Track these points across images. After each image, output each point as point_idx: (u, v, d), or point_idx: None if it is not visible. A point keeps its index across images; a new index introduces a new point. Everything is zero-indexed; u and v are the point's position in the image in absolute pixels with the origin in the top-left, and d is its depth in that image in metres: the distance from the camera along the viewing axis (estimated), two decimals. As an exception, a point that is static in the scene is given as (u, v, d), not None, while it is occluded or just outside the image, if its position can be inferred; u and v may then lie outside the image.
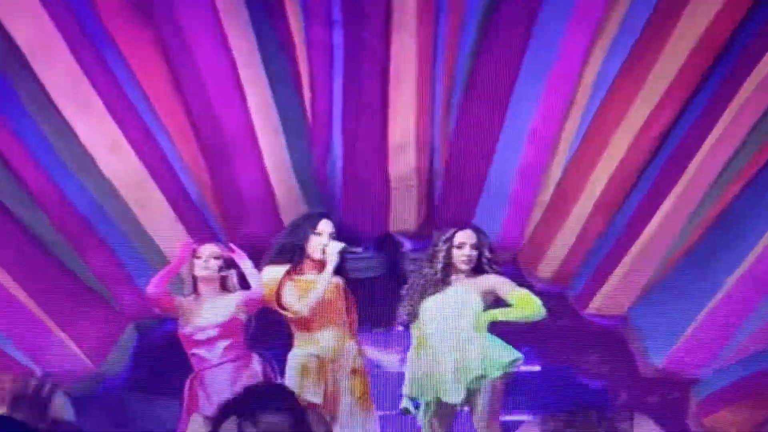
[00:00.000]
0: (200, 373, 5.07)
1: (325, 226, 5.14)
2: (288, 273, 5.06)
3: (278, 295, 5.08)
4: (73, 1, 5.36)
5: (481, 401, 4.87)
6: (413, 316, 5.02)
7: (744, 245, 5.43)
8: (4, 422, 2.23)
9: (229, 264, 5.15)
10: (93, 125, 5.40)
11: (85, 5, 5.36)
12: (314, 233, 5.03)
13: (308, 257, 5.03)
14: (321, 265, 5.08)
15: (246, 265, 5.07)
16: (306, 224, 5.13)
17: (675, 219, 5.49)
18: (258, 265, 5.15)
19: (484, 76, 5.47)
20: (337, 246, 4.99)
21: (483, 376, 4.85)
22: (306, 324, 5.10)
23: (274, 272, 5.09)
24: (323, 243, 5.02)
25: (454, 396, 4.80)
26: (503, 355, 4.87)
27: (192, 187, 5.66)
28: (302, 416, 4.38)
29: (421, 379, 5.02)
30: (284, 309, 5.10)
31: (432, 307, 4.94)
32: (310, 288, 5.08)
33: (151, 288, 5.05)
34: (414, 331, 5.08)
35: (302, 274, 5.09)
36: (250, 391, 4.49)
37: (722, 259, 5.43)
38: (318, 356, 5.11)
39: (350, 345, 5.16)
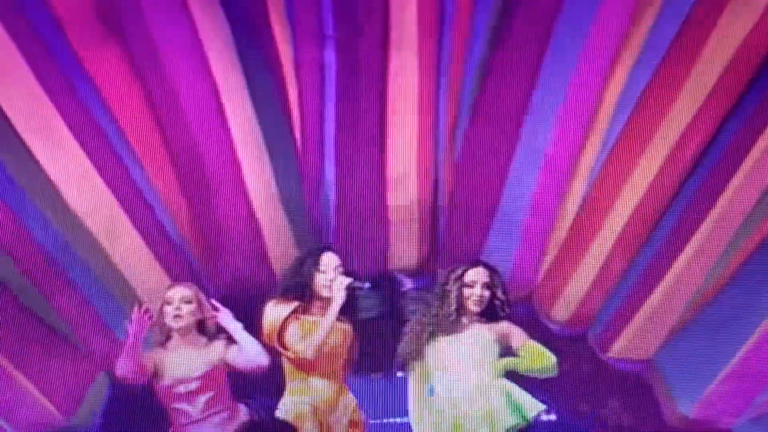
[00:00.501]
0: (181, 428, 4.69)
1: (330, 260, 4.81)
2: (294, 312, 4.75)
3: (280, 334, 4.77)
4: (34, 17, 5.06)
5: None
6: (417, 356, 4.70)
7: None
8: None
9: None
10: (58, 154, 5.11)
11: (47, 21, 5.07)
12: (318, 271, 4.74)
13: (316, 296, 4.73)
14: (329, 303, 4.87)
15: (235, 327, 4.77)
16: (309, 261, 4.82)
17: (705, 256, 5.25)
18: (243, 313, 4.74)
19: (493, 98, 5.25)
20: (344, 281, 4.68)
21: (516, 425, 4.61)
22: (306, 367, 4.79)
23: (278, 311, 4.77)
24: (329, 279, 4.71)
25: None
26: (528, 405, 4.63)
27: (169, 222, 5.38)
28: None
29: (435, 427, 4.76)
30: (285, 349, 4.76)
31: (446, 349, 4.64)
32: (315, 329, 4.83)
33: (120, 371, 4.71)
34: (414, 372, 4.75)
35: (309, 314, 4.80)
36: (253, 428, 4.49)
37: (758, 300, 5.16)
38: (312, 405, 4.78)
39: (349, 397, 4.87)
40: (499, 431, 4.65)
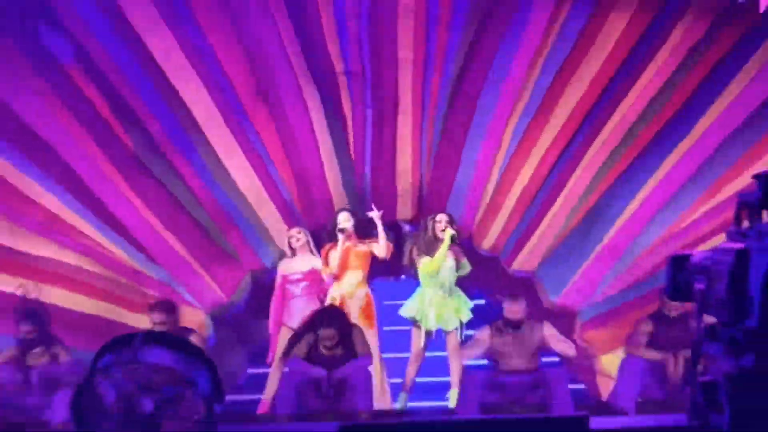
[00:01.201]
0: (288, 301, 6.55)
1: (342, 216, 6.47)
2: (330, 246, 6.44)
3: (326, 259, 6.47)
4: (221, 84, 6.49)
5: (456, 336, 6.27)
6: (412, 266, 6.39)
7: (607, 224, 6.62)
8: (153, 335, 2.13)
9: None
10: (236, 160, 6.72)
11: (230, 96, 6.55)
12: (337, 223, 6.34)
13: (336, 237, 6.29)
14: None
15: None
16: (331, 221, 6.47)
17: (564, 211, 6.69)
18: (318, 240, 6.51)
19: (452, 125, 6.67)
20: (339, 227, 6.31)
21: (460, 322, 6.23)
22: (338, 275, 6.35)
23: (325, 249, 6.50)
24: (338, 228, 6.32)
25: (452, 324, 6.26)
26: (465, 313, 6.28)
27: (287, 195, 6.95)
28: (348, 330, 6.03)
29: (429, 311, 6.28)
30: (327, 266, 6.44)
31: (421, 264, 6.34)
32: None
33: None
34: (425, 271, 6.31)
35: (335, 247, 6.38)
36: (315, 313, 6.31)
37: (592, 237, 6.66)
38: (340, 293, 6.38)
39: (364, 289, 6.39)
40: (450, 312, 6.20)
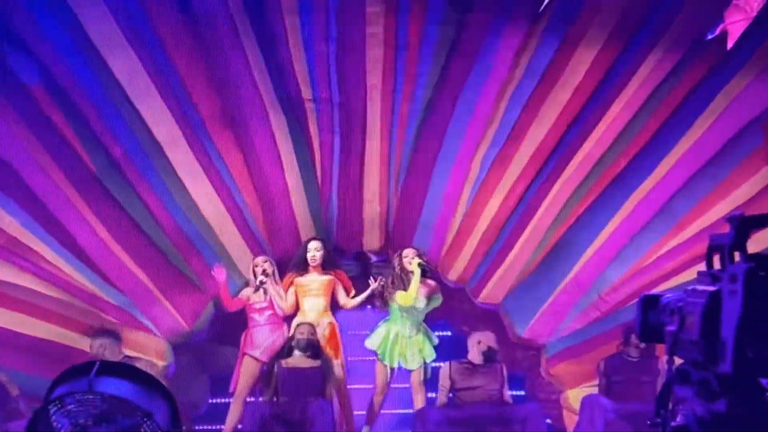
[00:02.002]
0: (252, 329, 6.55)
1: (313, 245, 6.50)
2: (295, 276, 6.44)
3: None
4: (185, 107, 6.34)
5: (420, 375, 6.32)
6: (388, 301, 6.42)
7: (572, 260, 6.62)
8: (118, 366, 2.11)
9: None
10: (199, 185, 6.62)
11: (194, 119, 6.44)
12: (306, 251, 6.39)
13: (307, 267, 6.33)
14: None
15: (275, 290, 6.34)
16: (302, 247, 6.50)
17: (530, 244, 6.71)
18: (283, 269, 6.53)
19: (420, 154, 6.66)
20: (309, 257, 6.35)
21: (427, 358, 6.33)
22: (296, 307, 6.35)
23: (287, 279, 6.54)
24: (309, 257, 6.36)
25: (414, 364, 6.33)
26: (428, 353, 6.34)
27: (252, 222, 6.84)
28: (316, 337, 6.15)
29: (388, 342, 6.33)
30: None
31: (398, 297, 6.38)
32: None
33: (229, 308, 6.43)
34: (394, 309, 6.40)
35: (304, 276, 6.42)
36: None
37: (558, 270, 6.67)
38: (303, 321, 6.35)
39: (327, 319, 6.38)
40: (414, 351, 6.24)
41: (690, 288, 1.89)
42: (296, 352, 6.15)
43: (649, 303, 1.99)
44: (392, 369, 6.36)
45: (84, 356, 6.25)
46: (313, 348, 6.10)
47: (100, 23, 6.19)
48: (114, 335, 6.24)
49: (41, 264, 6.49)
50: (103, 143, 6.50)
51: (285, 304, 6.45)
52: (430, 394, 6.42)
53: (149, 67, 6.31)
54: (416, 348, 6.34)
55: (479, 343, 6.22)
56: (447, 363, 6.31)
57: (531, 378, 6.95)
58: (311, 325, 6.16)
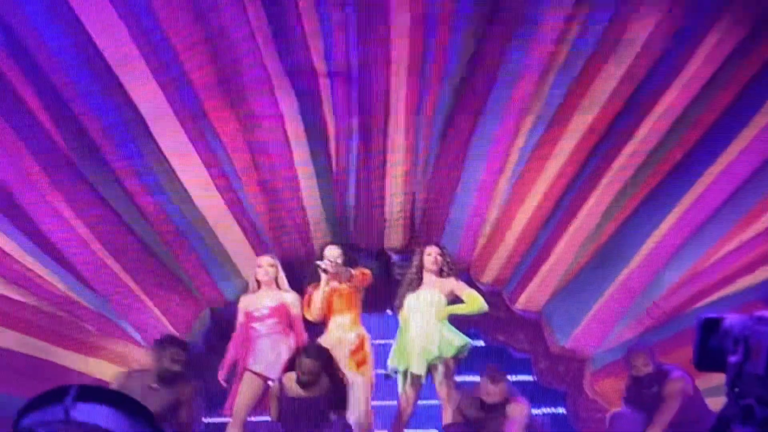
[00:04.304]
0: (252, 341, 5.79)
1: (330, 251, 5.85)
2: (312, 287, 5.87)
3: (308, 303, 5.88)
4: (178, 82, 5.67)
5: (439, 373, 5.68)
6: (400, 306, 5.95)
7: (622, 262, 6.09)
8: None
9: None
10: (194, 174, 6.02)
11: (187, 97, 5.77)
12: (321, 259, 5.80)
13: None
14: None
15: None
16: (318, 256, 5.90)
17: (575, 244, 6.20)
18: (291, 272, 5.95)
19: (448, 148, 6.15)
20: (321, 264, 5.74)
21: (440, 356, 5.71)
22: (322, 316, 5.84)
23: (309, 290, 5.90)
24: (322, 264, 5.77)
25: (418, 369, 5.64)
26: (456, 341, 5.75)
27: (255, 217, 6.23)
28: (330, 362, 5.28)
29: (400, 353, 5.83)
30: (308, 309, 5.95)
31: (411, 301, 5.88)
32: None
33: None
34: (400, 317, 5.93)
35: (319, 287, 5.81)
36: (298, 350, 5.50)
37: (606, 274, 6.14)
38: (331, 336, 5.80)
39: (353, 333, 5.78)
40: (434, 359, 5.62)
41: (757, 315, 1.79)
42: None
43: (710, 327, 1.87)
44: (416, 383, 5.76)
45: (56, 369, 5.83)
46: (317, 381, 5.46)
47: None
48: (184, 345, 5.58)
49: (5, 262, 5.92)
50: (80, 121, 5.75)
51: (313, 312, 5.89)
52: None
53: (132, 28, 5.55)
54: (422, 347, 5.74)
55: (488, 394, 5.57)
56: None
57: (573, 395, 6.43)
58: (315, 361, 5.41)
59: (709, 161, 5.89)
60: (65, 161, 5.83)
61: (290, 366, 5.55)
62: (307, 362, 5.37)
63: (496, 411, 5.48)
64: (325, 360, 5.47)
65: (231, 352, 5.84)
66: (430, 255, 5.87)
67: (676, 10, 5.71)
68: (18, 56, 5.64)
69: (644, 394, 5.54)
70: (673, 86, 5.82)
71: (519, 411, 5.54)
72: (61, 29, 5.56)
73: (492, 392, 5.49)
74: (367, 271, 5.86)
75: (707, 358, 1.85)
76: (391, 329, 6.13)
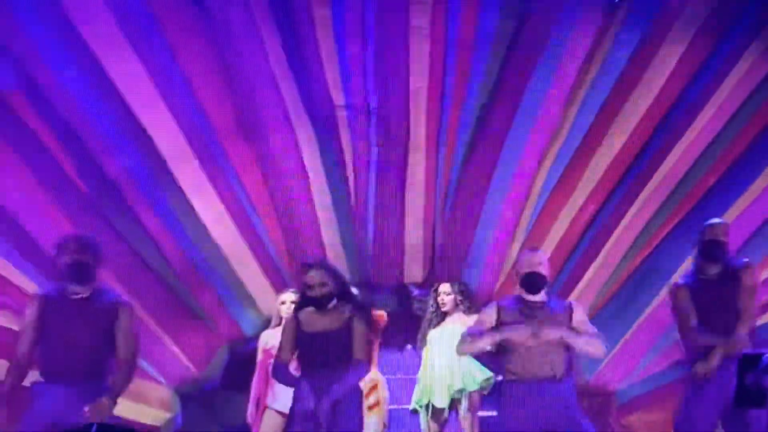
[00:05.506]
0: (272, 379, 5.28)
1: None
2: None
3: None
4: (195, 117, 5.57)
5: (462, 406, 5.60)
6: (423, 343, 5.83)
7: (651, 293, 5.91)
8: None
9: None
10: (211, 209, 5.88)
11: (205, 131, 5.67)
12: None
13: None
14: None
15: None
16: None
17: (602, 276, 6.07)
18: None
19: (468, 179, 6.00)
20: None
21: (463, 390, 5.59)
22: None
23: None
24: None
25: (441, 402, 5.61)
26: (479, 375, 5.61)
27: (273, 252, 6.15)
28: (336, 272, 4.51)
29: (424, 387, 5.72)
30: None
31: (435, 336, 5.77)
32: None
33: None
34: (424, 353, 5.81)
35: None
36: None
37: (634, 305, 6.00)
38: None
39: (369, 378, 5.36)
40: (457, 393, 5.50)
41: None
42: None
43: (748, 363, 1.94)
44: (440, 413, 5.61)
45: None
46: (330, 293, 4.59)
47: (92, 17, 5.34)
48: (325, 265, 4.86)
49: (23, 300, 5.62)
50: (97, 159, 5.69)
51: None
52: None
53: (151, 68, 5.48)
54: (445, 381, 5.63)
55: None
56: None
57: (599, 430, 5.86)
58: (319, 270, 4.63)
59: (742, 188, 5.81)
60: (85, 201, 5.76)
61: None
62: (312, 274, 4.61)
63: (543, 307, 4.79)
64: (330, 269, 4.75)
65: (254, 389, 5.68)
66: (440, 295, 5.79)
67: (708, 33, 5.67)
68: (38, 102, 5.60)
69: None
70: (703, 112, 5.76)
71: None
72: (81, 72, 5.50)
73: (535, 262, 4.58)
74: (382, 313, 5.59)
75: (746, 394, 1.84)
76: (411, 364, 6.01)
